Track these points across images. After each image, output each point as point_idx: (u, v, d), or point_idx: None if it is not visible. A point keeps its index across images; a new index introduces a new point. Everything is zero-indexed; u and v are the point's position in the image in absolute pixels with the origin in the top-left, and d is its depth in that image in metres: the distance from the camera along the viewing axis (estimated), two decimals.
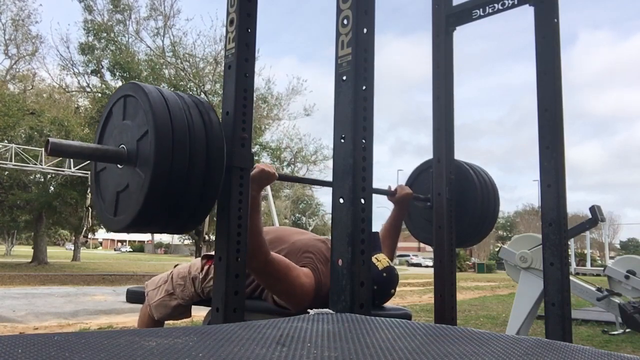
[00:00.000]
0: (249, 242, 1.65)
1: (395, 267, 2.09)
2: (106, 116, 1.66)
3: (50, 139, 1.45)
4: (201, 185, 1.50)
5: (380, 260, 2.00)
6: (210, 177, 1.52)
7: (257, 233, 1.73)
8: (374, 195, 1.43)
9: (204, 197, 1.52)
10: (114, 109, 1.63)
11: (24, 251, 36.71)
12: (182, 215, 1.53)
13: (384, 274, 1.98)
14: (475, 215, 2.56)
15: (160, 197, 1.44)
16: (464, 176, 2.55)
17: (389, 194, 2.54)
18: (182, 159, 1.45)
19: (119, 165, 1.55)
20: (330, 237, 1.67)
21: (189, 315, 2.35)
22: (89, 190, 18.53)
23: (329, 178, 1.54)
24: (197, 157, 1.48)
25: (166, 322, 2.39)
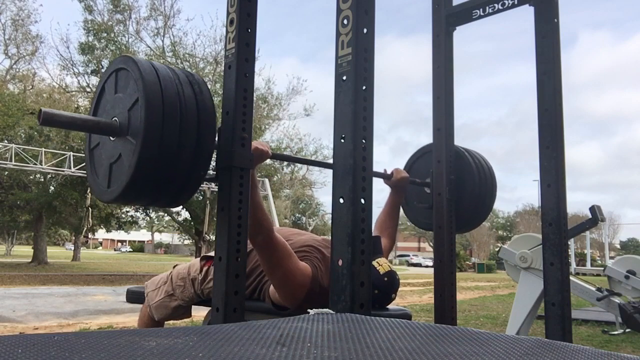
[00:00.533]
0: (251, 217, 1.66)
1: (395, 266, 2.10)
2: (99, 92, 1.67)
3: (43, 109, 1.46)
4: (192, 157, 1.50)
5: (382, 264, 1.99)
6: (201, 149, 1.52)
7: (258, 207, 1.75)
8: (374, 195, 1.43)
9: (194, 169, 1.53)
10: (106, 84, 1.65)
11: (24, 251, 36.71)
12: (172, 186, 1.53)
13: (385, 278, 1.96)
14: (472, 197, 2.53)
15: (151, 166, 1.45)
16: (461, 159, 2.53)
17: (385, 177, 2.51)
18: (173, 128, 1.46)
19: (111, 138, 1.56)
20: (329, 237, 1.67)
21: (189, 315, 2.35)
22: (88, 190, 18.54)
23: (329, 178, 1.54)
24: (187, 127, 1.48)
25: (166, 322, 2.39)
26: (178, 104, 1.48)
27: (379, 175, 2.49)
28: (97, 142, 1.66)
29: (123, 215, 23.63)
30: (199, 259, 2.25)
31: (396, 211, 2.57)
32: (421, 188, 2.68)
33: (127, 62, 1.54)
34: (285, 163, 24.13)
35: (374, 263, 1.96)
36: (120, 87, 1.58)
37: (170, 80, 1.51)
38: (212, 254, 1.88)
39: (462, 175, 2.50)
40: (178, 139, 1.47)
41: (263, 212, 1.79)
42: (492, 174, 2.68)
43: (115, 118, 1.55)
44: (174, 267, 2.35)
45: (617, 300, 5.44)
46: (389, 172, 2.53)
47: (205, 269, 2.15)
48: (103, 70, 19.64)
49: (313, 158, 24.48)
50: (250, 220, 1.66)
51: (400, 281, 2.17)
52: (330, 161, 1.52)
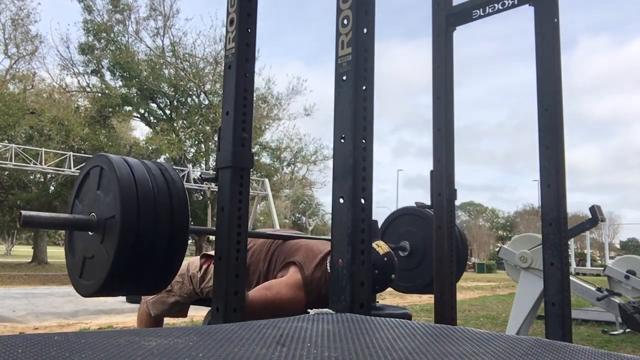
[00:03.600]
0: (266, 309, 1.82)
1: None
2: (83, 177, 1.73)
3: (23, 212, 1.53)
4: (164, 254, 1.56)
5: (381, 245, 2.03)
6: (175, 245, 1.58)
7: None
8: (374, 195, 1.43)
9: (168, 264, 1.59)
10: (91, 172, 1.70)
11: (24, 251, 36.71)
12: (148, 281, 1.60)
13: (385, 259, 2.00)
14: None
15: (125, 269, 1.51)
16: (431, 226, 2.44)
17: None
18: (147, 235, 1.52)
19: (90, 232, 1.62)
20: (328, 237, 1.69)
21: (185, 314, 2.35)
22: None
23: (329, 178, 1.54)
24: (161, 228, 1.55)
25: (165, 321, 2.39)
26: (154, 207, 1.54)
27: None
28: (77, 243, 1.71)
29: None
30: (198, 257, 2.26)
31: (377, 234, 2.56)
32: (397, 252, 2.67)
33: (109, 167, 1.60)
34: (285, 163, 24.16)
35: (374, 245, 1.99)
36: (102, 187, 1.63)
37: (146, 183, 1.56)
38: (212, 252, 1.89)
39: (428, 237, 2.48)
40: (153, 238, 1.53)
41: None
42: (464, 237, 2.72)
43: (94, 214, 1.61)
44: None
45: (617, 300, 5.44)
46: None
47: (204, 267, 2.16)
48: (103, 70, 19.61)
49: (313, 158, 24.51)
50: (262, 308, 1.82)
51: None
52: (330, 163, 1.53)
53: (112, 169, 1.57)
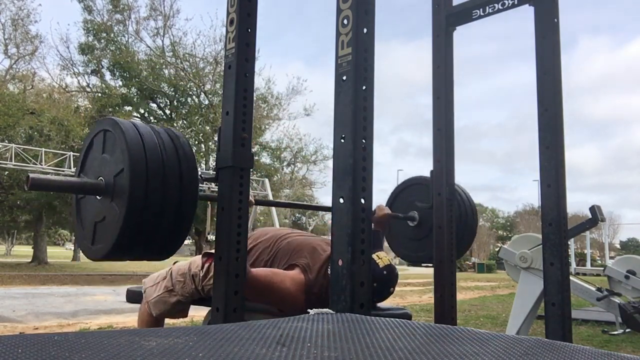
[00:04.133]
0: (266, 287, 1.80)
1: (395, 266, 2.10)
2: (87, 146, 1.72)
3: (31, 175, 1.52)
4: (173, 218, 1.56)
5: (382, 258, 2.02)
6: (183, 210, 1.57)
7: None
8: (374, 195, 1.43)
9: (177, 229, 1.59)
10: (95, 139, 1.68)
11: (24, 251, 36.71)
12: (156, 245, 1.59)
13: (385, 272, 2.00)
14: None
15: (135, 230, 1.50)
16: None
17: None
18: (156, 195, 1.52)
19: (97, 197, 1.61)
20: (328, 237, 1.68)
21: (186, 314, 2.35)
22: None
23: (329, 178, 1.54)
24: (170, 192, 1.54)
25: (165, 321, 2.38)
26: (162, 172, 1.54)
27: None
28: (83, 194, 1.70)
29: None
30: (200, 255, 2.25)
31: (379, 248, 2.56)
32: (406, 222, 2.71)
33: (114, 127, 1.59)
34: (285, 163, 24.15)
35: (374, 256, 1.99)
36: (107, 149, 1.62)
37: (154, 146, 1.56)
38: (214, 251, 1.89)
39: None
40: (161, 204, 1.53)
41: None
42: (473, 207, 2.73)
43: (102, 178, 1.60)
44: (174, 263, 2.35)
45: (617, 300, 5.44)
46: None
47: (206, 265, 2.15)
48: (103, 70, 19.61)
49: (313, 158, 24.51)
50: (262, 285, 1.80)
51: (400, 281, 2.18)
52: (330, 163, 1.53)
53: (117, 127, 1.56)
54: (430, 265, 2.46)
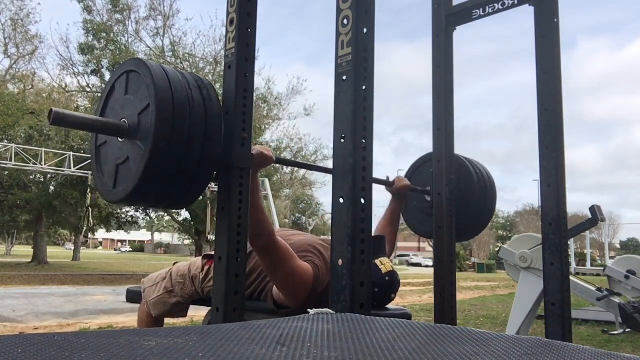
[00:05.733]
0: (253, 220, 1.68)
1: (395, 266, 2.10)
2: (108, 91, 1.68)
3: (54, 109, 1.47)
4: (198, 162, 1.52)
5: (385, 263, 2.02)
6: (208, 151, 1.54)
7: (260, 211, 1.77)
8: (374, 195, 1.43)
9: (201, 172, 1.55)
10: (116, 84, 1.65)
11: (24, 251, 36.70)
12: (179, 189, 1.55)
13: (387, 278, 1.99)
14: (472, 208, 2.58)
15: (159, 169, 1.46)
16: (461, 169, 2.58)
17: (388, 184, 2.56)
18: (182, 133, 1.47)
19: (119, 139, 1.57)
20: (328, 237, 1.67)
21: (185, 314, 2.35)
22: (88, 190, 18.52)
23: (329, 178, 1.54)
24: (196, 131, 1.51)
25: (166, 322, 2.38)
26: (188, 110, 1.50)
27: (381, 182, 2.53)
28: (104, 140, 1.67)
29: (123, 215, 23.61)
30: (200, 257, 2.26)
31: (396, 218, 2.61)
32: (422, 196, 2.71)
33: (139, 66, 1.55)
34: None
35: (377, 262, 1.98)
36: (131, 90, 1.59)
37: (180, 85, 1.52)
38: (214, 253, 1.88)
39: (462, 185, 2.53)
40: (186, 143, 1.49)
41: (264, 214, 1.80)
42: (492, 182, 2.72)
43: (124, 119, 1.56)
44: (174, 264, 2.35)
45: (617, 300, 5.44)
46: (391, 179, 2.56)
47: (206, 267, 2.15)
48: (103, 70, 19.61)
49: (313, 158, 24.50)
50: (251, 222, 1.67)
51: (400, 281, 2.18)
52: (330, 163, 1.53)
53: (143, 65, 1.53)
54: (431, 265, 2.46)
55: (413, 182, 2.66)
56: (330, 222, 1.59)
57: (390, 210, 2.59)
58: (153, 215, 26.74)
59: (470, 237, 2.88)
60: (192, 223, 22.05)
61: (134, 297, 2.46)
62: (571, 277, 4.80)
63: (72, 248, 31.92)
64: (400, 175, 2.63)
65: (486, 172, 2.71)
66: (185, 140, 1.48)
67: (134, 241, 75.44)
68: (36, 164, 16.75)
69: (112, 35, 20.04)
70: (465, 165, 2.61)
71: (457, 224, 2.44)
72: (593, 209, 4.64)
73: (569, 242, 2.53)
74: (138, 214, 24.51)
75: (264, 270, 2.13)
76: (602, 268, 7.54)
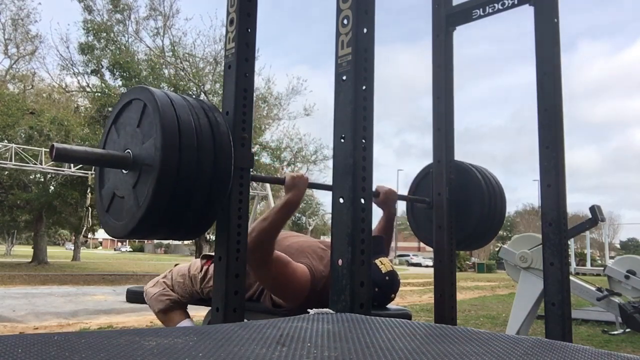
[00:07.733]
0: (262, 235, 1.75)
1: (395, 266, 2.10)
2: (113, 119, 1.64)
3: (56, 145, 1.42)
4: (208, 191, 1.47)
5: (384, 263, 2.02)
6: (218, 181, 1.49)
7: (277, 230, 1.85)
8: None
9: (211, 202, 1.50)
10: (122, 112, 1.62)
11: (24, 251, 36.69)
12: (188, 222, 1.50)
13: (387, 278, 2.00)
14: (482, 217, 2.52)
15: (166, 202, 1.41)
16: (470, 178, 2.51)
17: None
18: (189, 165, 1.42)
19: (123, 171, 1.53)
20: (328, 240, 1.67)
21: (185, 314, 2.35)
22: (88, 190, 18.52)
23: (329, 178, 1.54)
24: (204, 161, 1.45)
25: None
26: (195, 140, 1.44)
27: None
28: (108, 178, 1.63)
29: None
30: (199, 258, 2.27)
31: (390, 225, 2.46)
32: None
33: (145, 95, 1.51)
34: (285, 163, 24.13)
35: (377, 262, 1.99)
36: (136, 119, 1.54)
37: (186, 114, 1.47)
38: (213, 253, 1.89)
39: (471, 195, 2.47)
40: (194, 175, 1.43)
41: (276, 236, 1.86)
42: (502, 191, 2.63)
43: (129, 150, 1.52)
44: (175, 265, 2.38)
45: (617, 300, 5.44)
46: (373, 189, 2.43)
47: (205, 267, 2.17)
48: (103, 70, 19.60)
49: (313, 158, 24.49)
50: (258, 237, 1.72)
51: (400, 281, 2.18)
52: (330, 163, 1.52)
53: (148, 94, 1.48)
54: (431, 265, 2.44)
55: (419, 193, 2.61)
56: (330, 222, 1.59)
57: (383, 220, 2.44)
58: None
59: (480, 246, 2.85)
60: None
61: (134, 297, 2.46)
62: (571, 277, 4.79)
63: (72, 248, 31.92)
64: (380, 184, 2.46)
65: (495, 181, 2.65)
66: (192, 171, 1.42)
67: (134, 241, 75.41)
68: (36, 164, 16.74)
69: (112, 35, 20.04)
70: (473, 174, 2.53)
71: (467, 234, 2.43)
72: (593, 209, 4.64)
73: (569, 242, 2.53)
74: None
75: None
76: (602, 268, 7.54)
